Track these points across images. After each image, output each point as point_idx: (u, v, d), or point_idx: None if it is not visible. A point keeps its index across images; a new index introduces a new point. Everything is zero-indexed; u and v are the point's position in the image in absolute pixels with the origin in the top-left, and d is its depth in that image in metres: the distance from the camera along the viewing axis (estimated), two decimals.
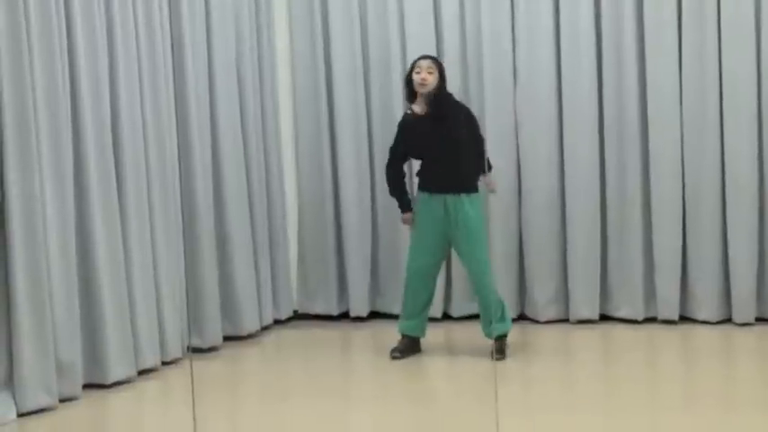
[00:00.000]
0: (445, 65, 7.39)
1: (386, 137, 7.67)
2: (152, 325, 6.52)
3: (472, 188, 6.55)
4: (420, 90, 6.54)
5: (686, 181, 7.20)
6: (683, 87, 7.15)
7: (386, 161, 6.80)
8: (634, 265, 7.30)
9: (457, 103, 6.69)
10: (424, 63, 6.55)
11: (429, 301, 6.77)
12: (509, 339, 6.64)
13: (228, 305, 7.24)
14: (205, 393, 5.96)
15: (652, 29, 7.17)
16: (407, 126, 6.66)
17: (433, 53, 7.48)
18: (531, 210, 7.43)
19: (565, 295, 7.42)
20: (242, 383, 6.67)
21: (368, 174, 7.77)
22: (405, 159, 6.83)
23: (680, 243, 7.23)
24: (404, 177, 6.79)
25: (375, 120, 7.75)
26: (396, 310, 7.75)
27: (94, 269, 6.17)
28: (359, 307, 7.82)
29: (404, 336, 6.78)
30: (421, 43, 7.48)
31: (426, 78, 6.50)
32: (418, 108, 6.60)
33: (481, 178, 6.65)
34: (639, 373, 6.32)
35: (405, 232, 7.64)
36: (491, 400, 5.30)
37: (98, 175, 6.18)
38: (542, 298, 7.45)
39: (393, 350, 6.72)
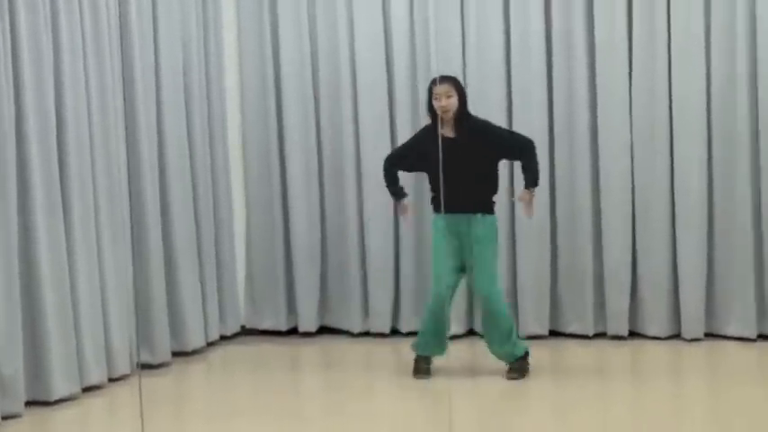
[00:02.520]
0: (394, 69, 7.36)
1: (335, 151, 7.65)
2: (98, 340, 6.41)
3: (490, 211, 6.44)
4: (444, 116, 6.36)
5: (636, 196, 7.22)
6: (633, 101, 7.18)
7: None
8: (584, 281, 7.30)
9: (477, 122, 6.49)
10: (442, 89, 6.35)
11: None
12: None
13: (175, 321, 7.14)
14: (152, 411, 5.84)
15: (602, 43, 7.19)
16: (427, 140, 6.42)
17: (382, 58, 7.45)
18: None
19: (515, 311, 7.39)
20: (190, 401, 6.58)
21: (317, 188, 7.72)
22: (403, 165, 6.70)
23: (629, 259, 7.25)
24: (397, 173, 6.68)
25: (325, 133, 7.70)
26: (345, 325, 7.73)
27: (38, 281, 6.06)
28: (308, 322, 7.76)
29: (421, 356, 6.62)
30: (370, 48, 7.49)
31: (446, 105, 6.34)
32: (448, 132, 6.41)
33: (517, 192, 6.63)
34: (589, 390, 6.30)
35: (353, 245, 7.61)
36: (444, 419, 5.28)
37: (43, 188, 6.07)
38: None
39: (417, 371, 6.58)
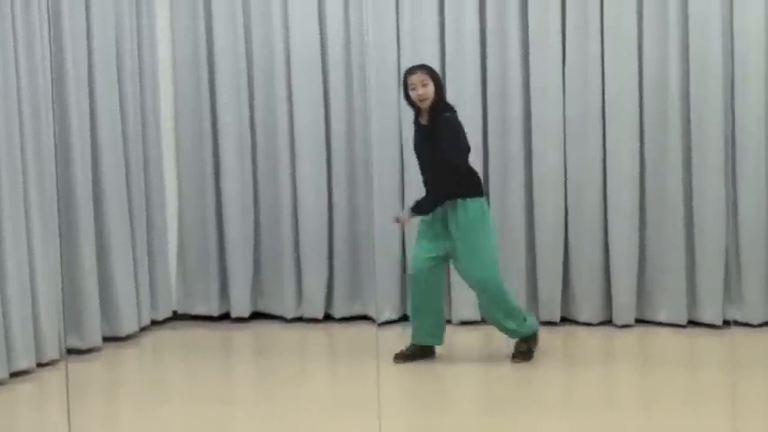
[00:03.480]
0: (329, 67, 7.36)
1: (269, 135, 7.62)
2: (26, 325, 6.34)
3: (468, 194, 6.34)
4: (422, 106, 6.31)
5: (568, 184, 7.26)
6: (566, 94, 7.21)
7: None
8: (517, 268, 7.33)
9: (444, 114, 6.34)
10: (416, 78, 6.29)
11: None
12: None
13: (107, 305, 7.08)
14: (82, 397, 5.81)
15: (536, 33, 7.22)
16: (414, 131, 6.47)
17: (317, 55, 7.42)
18: None
19: (448, 296, 7.41)
20: (120, 387, 6.52)
21: (250, 172, 7.68)
22: None
23: (562, 246, 7.29)
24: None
25: (258, 119, 7.67)
26: (277, 310, 7.71)
27: None
28: (240, 307, 7.72)
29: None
30: (305, 48, 7.49)
31: (423, 93, 6.27)
32: (423, 119, 6.38)
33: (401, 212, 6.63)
34: (520, 374, 6.34)
35: (287, 230, 7.58)
36: (374, 403, 5.29)
37: None
38: None
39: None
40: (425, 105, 6.31)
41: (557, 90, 7.19)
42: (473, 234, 6.30)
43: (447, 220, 6.34)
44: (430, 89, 6.29)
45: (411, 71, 6.36)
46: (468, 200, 6.31)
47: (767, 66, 6.97)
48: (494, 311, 6.43)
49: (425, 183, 6.41)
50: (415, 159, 6.51)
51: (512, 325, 6.44)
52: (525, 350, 6.49)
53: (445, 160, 6.26)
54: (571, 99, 7.21)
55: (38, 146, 6.46)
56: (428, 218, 6.38)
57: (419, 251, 6.41)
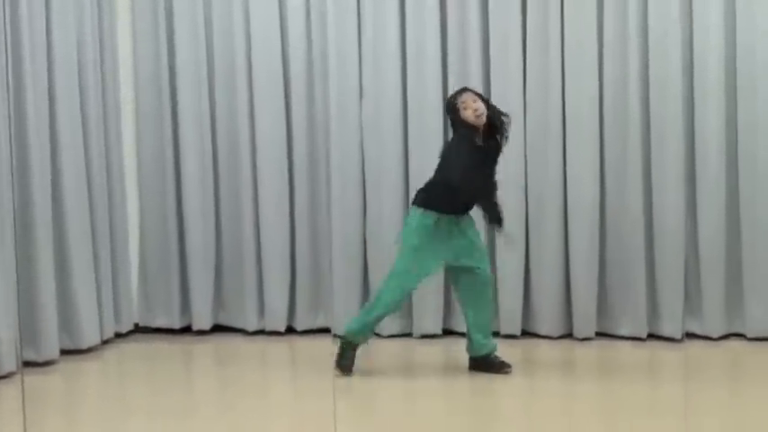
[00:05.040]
0: (291, 77, 7.38)
1: (230, 150, 7.61)
2: None
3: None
4: (479, 122, 6.28)
5: (529, 199, 7.29)
6: (527, 106, 7.25)
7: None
8: None
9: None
10: (468, 96, 6.32)
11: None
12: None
13: (67, 318, 7.04)
14: (39, 410, 5.77)
15: (497, 49, 7.25)
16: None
17: (279, 69, 7.44)
18: (375, 224, 7.41)
19: (409, 310, 7.41)
20: (80, 400, 6.48)
21: (212, 184, 7.67)
22: None
23: (522, 259, 7.31)
24: None
25: (220, 133, 7.66)
26: (239, 323, 7.69)
27: None
28: (202, 320, 7.70)
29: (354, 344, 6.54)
30: (267, 62, 7.50)
31: (479, 108, 6.28)
32: (481, 138, 6.37)
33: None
34: (480, 386, 6.35)
35: (248, 243, 7.57)
36: (330, 415, 5.29)
37: None
38: None
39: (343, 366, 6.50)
40: (482, 122, 6.30)
41: (517, 106, 7.20)
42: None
43: (452, 232, 6.37)
44: (482, 105, 6.32)
45: (459, 94, 6.38)
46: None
47: (726, 78, 7.04)
48: (488, 308, 6.49)
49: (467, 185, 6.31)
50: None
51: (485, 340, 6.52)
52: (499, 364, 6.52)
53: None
54: (531, 114, 7.24)
55: None
56: (431, 229, 6.35)
57: (423, 269, 6.44)
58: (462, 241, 6.42)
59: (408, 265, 6.39)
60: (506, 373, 6.44)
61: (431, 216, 6.33)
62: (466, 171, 6.21)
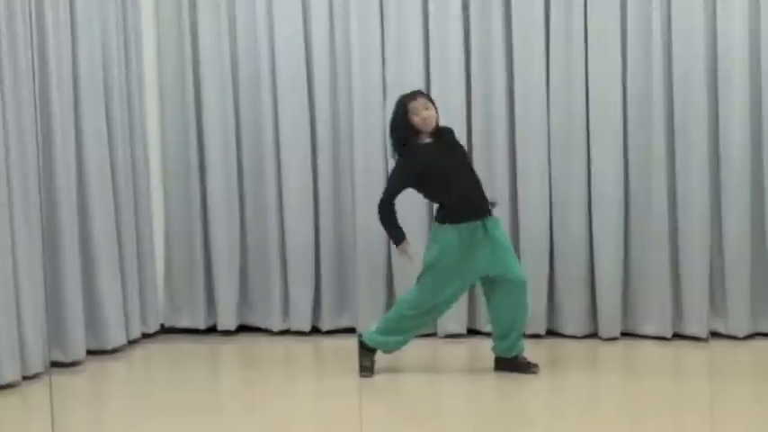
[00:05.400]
0: (315, 81, 7.39)
1: (254, 149, 7.64)
2: (12, 338, 6.33)
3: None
4: (427, 128, 6.34)
5: (553, 200, 7.28)
6: (550, 105, 7.24)
7: (381, 198, 6.41)
8: None
9: (447, 127, 6.52)
10: (420, 103, 6.35)
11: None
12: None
13: (94, 319, 7.08)
14: (67, 410, 5.81)
15: (520, 46, 7.25)
16: (421, 157, 6.36)
17: (303, 73, 7.45)
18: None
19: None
20: (106, 400, 6.52)
21: (237, 185, 7.70)
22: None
23: (547, 260, 7.31)
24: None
25: (244, 132, 7.69)
26: (264, 323, 7.72)
27: None
28: (227, 320, 7.73)
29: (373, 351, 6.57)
30: (290, 62, 7.52)
31: (429, 116, 6.32)
32: (426, 138, 6.41)
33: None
34: (506, 387, 6.36)
35: (273, 243, 7.60)
36: (355, 415, 5.30)
37: None
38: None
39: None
40: (430, 127, 6.35)
41: (541, 104, 7.22)
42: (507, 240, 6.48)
43: (479, 240, 6.32)
44: (433, 111, 6.37)
45: (410, 98, 6.41)
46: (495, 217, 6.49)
47: (751, 78, 7.01)
48: (524, 311, 6.45)
49: (462, 191, 6.35)
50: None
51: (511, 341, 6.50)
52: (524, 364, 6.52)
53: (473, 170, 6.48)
54: (555, 113, 7.24)
55: (23, 158, 6.46)
56: (456, 244, 6.30)
57: (451, 291, 6.42)
58: (491, 248, 6.35)
59: (425, 284, 6.41)
60: (534, 373, 6.44)
61: (451, 230, 6.32)
62: (450, 179, 6.35)
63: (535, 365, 6.46)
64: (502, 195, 7.24)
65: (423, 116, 6.32)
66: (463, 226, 6.30)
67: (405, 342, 6.52)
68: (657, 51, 7.06)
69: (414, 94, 6.46)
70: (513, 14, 7.26)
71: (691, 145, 7.05)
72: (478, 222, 6.33)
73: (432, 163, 6.33)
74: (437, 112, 6.42)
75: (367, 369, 6.46)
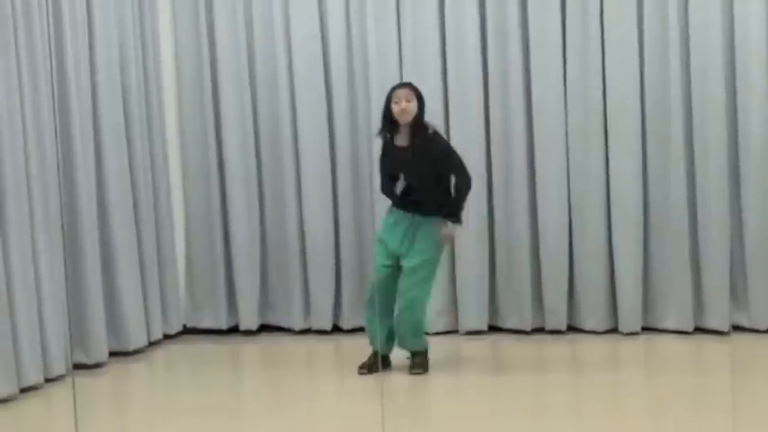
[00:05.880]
0: (332, 79, 7.39)
1: (273, 147, 7.65)
2: (35, 341, 6.37)
3: (433, 213, 6.42)
4: (402, 120, 6.37)
5: (572, 195, 7.28)
6: (568, 100, 7.23)
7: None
8: (522, 276, 7.34)
9: (435, 136, 6.47)
10: (402, 92, 6.38)
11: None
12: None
13: (115, 320, 7.10)
14: (90, 411, 5.83)
15: (537, 45, 7.24)
16: (387, 152, 6.52)
17: (320, 69, 7.46)
18: None
19: (454, 306, 7.43)
20: (129, 401, 6.55)
21: (256, 185, 7.72)
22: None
23: (567, 255, 7.30)
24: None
25: (263, 131, 7.70)
26: (286, 323, 7.73)
27: None
28: (249, 320, 7.75)
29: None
30: (307, 59, 7.52)
31: (406, 108, 6.34)
32: (400, 140, 6.44)
33: (443, 226, 6.47)
34: (527, 383, 6.35)
35: (293, 242, 7.61)
36: (377, 413, 5.31)
37: None
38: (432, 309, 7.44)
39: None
40: (405, 120, 6.36)
41: (558, 99, 7.21)
42: (426, 253, 6.40)
43: (406, 232, 6.40)
44: (414, 105, 6.36)
45: (398, 87, 6.47)
46: (431, 218, 6.41)
47: None
48: (405, 326, 6.48)
49: (404, 196, 6.41)
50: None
51: (410, 342, 6.52)
52: (420, 362, 6.54)
53: (466, 177, 6.43)
54: (573, 108, 7.23)
55: (42, 160, 6.49)
56: (390, 225, 6.45)
57: (379, 258, 6.49)
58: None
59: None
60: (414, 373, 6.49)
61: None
62: (382, 176, 6.53)
63: (421, 368, 6.51)
64: (521, 190, 7.26)
65: (401, 107, 6.35)
66: (397, 212, 6.45)
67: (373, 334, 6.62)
68: (675, 45, 7.04)
69: (402, 84, 6.53)
70: (530, 14, 7.26)
71: (709, 138, 7.03)
72: (408, 216, 6.41)
73: (386, 162, 6.51)
74: (421, 110, 6.41)
75: (364, 365, 6.55)
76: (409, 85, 6.50)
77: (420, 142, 6.39)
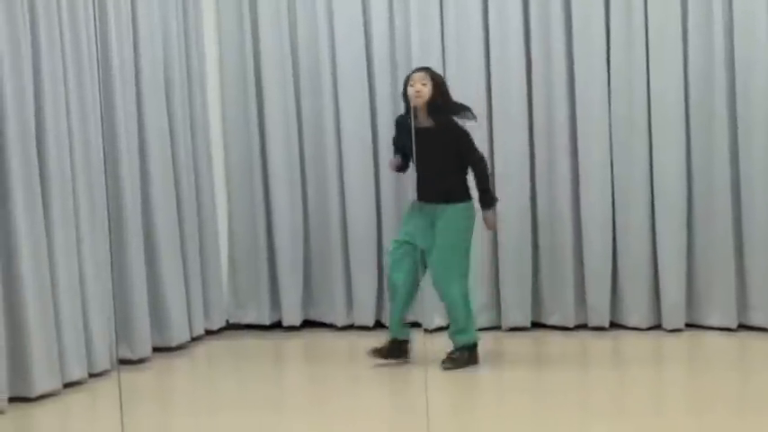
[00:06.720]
0: (375, 72, 7.38)
1: (317, 143, 7.67)
2: (79, 336, 6.42)
3: (457, 200, 6.49)
4: (414, 102, 6.45)
5: (615, 190, 7.24)
6: (612, 93, 7.20)
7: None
8: (565, 273, 7.32)
9: (446, 117, 6.51)
10: (417, 75, 6.49)
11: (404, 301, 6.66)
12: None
13: (158, 316, 7.14)
14: (134, 406, 5.87)
15: (581, 36, 7.21)
16: (401, 127, 6.64)
17: (363, 63, 7.47)
18: None
19: (497, 302, 7.42)
20: (172, 396, 6.60)
21: (299, 180, 7.73)
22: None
23: (610, 250, 7.26)
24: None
25: (306, 126, 7.72)
26: (328, 318, 7.75)
27: (18, 278, 6.04)
28: (291, 316, 7.77)
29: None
30: (349, 38, 7.54)
31: (420, 90, 6.42)
32: (417, 122, 6.48)
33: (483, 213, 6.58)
34: (570, 379, 6.33)
35: (336, 238, 7.62)
36: (422, 409, 5.31)
37: (22, 185, 6.07)
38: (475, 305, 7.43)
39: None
40: (419, 103, 6.44)
41: (602, 91, 7.18)
42: (451, 240, 6.46)
43: (430, 223, 6.47)
44: (428, 89, 6.43)
45: (415, 70, 6.59)
46: (456, 204, 6.49)
47: None
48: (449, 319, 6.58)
49: (428, 179, 6.48)
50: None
51: (451, 335, 6.58)
52: (457, 357, 6.54)
53: (476, 157, 6.51)
54: (616, 101, 7.19)
55: (87, 156, 6.54)
56: (415, 214, 6.55)
57: (397, 243, 6.61)
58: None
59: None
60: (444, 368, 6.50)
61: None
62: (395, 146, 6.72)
63: (452, 363, 6.52)
64: (564, 185, 7.24)
65: (416, 89, 6.43)
66: (422, 204, 6.54)
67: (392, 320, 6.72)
68: (719, 37, 6.98)
69: (419, 68, 6.63)
70: (573, 12, 7.22)
71: (753, 131, 6.97)
72: (431, 206, 6.49)
73: (400, 137, 6.61)
74: (438, 93, 6.45)
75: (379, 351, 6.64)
76: (427, 69, 6.58)
77: (435, 125, 6.46)
